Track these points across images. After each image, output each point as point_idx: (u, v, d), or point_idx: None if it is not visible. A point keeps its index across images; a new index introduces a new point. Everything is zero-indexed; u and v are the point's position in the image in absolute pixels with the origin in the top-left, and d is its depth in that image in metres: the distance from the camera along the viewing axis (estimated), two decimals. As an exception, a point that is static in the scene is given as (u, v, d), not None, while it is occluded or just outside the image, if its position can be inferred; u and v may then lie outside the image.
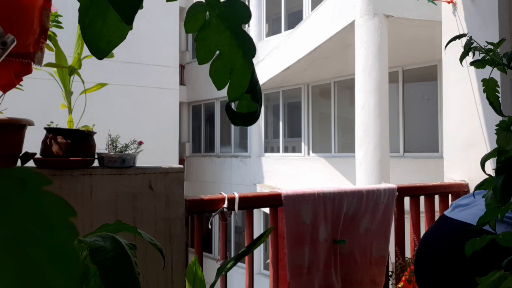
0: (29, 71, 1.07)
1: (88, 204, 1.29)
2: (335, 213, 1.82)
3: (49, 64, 1.32)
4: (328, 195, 1.81)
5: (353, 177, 6.19)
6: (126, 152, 1.39)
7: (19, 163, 1.25)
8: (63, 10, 1.44)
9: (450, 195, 2.23)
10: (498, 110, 1.22)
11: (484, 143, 2.11)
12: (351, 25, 5.59)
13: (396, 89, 7.01)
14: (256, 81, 0.72)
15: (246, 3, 9.62)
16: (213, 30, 0.66)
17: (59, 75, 1.42)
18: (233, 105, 0.74)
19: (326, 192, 1.81)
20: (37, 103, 6.95)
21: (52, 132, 1.30)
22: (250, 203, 1.68)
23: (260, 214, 9.35)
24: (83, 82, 1.45)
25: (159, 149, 8.54)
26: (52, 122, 1.35)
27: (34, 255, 0.24)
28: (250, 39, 0.69)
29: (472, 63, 1.29)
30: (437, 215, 2.26)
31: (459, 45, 1.39)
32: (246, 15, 0.67)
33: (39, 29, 1.06)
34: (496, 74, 1.32)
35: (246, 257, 1.67)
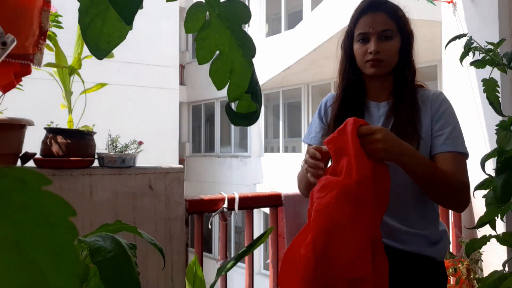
0: (28, 71, 1.07)
1: (88, 204, 1.29)
2: (335, 213, 1.82)
3: (49, 64, 1.32)
4: (328, 195, 1.80)
5: (353, 177, 6.16)
6: (126, 152, 1.39)
7: (19, 163, 1.25)
8: (63, 10, 1.44)
9: (450, 195, 2.23)
10: (498, 110, 1.22)
11: (484, 143, 2.11)
12: (351, 25, 5.58)
13: (396, 89, 6.99)
14: (256, 81, 0.72)
15: (246, 3, 9.62)
16: (213, 30, 0.66)
17: (59, 75, 1.42)
18: (233, 105, 0.74)
19: (326, 192, 1.80)
20: (37, 103, 6.95)
21: (52, 132, 1.30)
22: (250, 203, 1.68)
23: (260, 214, 9.35)
24: (83, 82, 1.45)
25: (159, 149, 8.54)
26: (52, 122, 1.35)
27: (34, 255, 0.24)
28: (250, 39, 0.69)
29: (472, 63, 1.29)
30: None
31: (459, 45, 1.39)
32: (246, 15, 0.67)
33: (39, 30, 1.06)
34: (496, 74, 1.33)
35: (246, 257, 1.67)
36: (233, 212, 1.63)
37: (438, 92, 1.24)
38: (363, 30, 1.18)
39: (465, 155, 1.17)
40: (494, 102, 1.21)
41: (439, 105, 1.20)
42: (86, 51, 1.35)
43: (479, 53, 1.27)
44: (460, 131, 1.19)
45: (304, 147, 1.43)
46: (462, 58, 1.27)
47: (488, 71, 1.26)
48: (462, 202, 1.15)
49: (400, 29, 1.20)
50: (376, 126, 1.06)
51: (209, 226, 1.67)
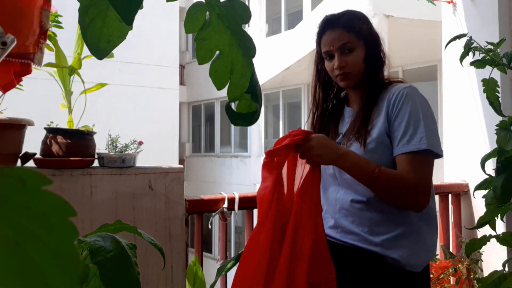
0: (28, 71, 1.07)
1: (88, 204, 1.29)
2: (335, 213, 1.81)
3: (49, 64, 1.32)
4: (328, 195, 1.80)
5: (353, 177, 6.16)
6: (126, 152, 1.39)
7: (19, 163, 1.25)
8: (63, 10, 1.43)
9: (450, 195, 2.23)
10: (498, 110, 1.22)
11: (484, 143, 2.11)
12: (351, 25, 5.57)
13: (396, 89, 6.99)
14: (256, 81, 0.72)
15: (246, 3, 9.61)
16: (213, 30, 0.66)
17: (59, 75, 1.42)
18: (233, 105, 0.74)
19: (326, 192, 1.80)
20: (37, 103, 6.95)
21: (52, 132, 1.30)
22: (250, 203, 1.68)
23: (260, 214, 9.33)
24: (83, 82, 1.45)
25: (159, 149, 8.53)
26: (52, 122, 1.35)
27: (34, 255, 0.24)
28: (250, 39, 0.69)
29: (472, 63, 1.29)
30: (437, 215, 2.25)
31: (459, 45, 1.39)
32: (246, 15, 0.67)
33: (39, 29, 1.06)
34: (496, 74, 1.32)
35: (246, 257, 1.67)
36: (233, 212, 1.63)
37: (401, 86, 1.17)
38: (325, 49, 1.23)
39: (424, 152, 1.10)
40: (494, 102, 1.21)
41: (394, 100, 1.14)
42: (86, 51, 1.35)
43: (479, 53, 1.27)
44: (420, 127, 1.11)
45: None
46: (462, 58, 1.27)
47: (488, 71, 1.26)
48: (412, 202, 1.11)
49: (361, 38, 1.21)
50: (313, 134, 1.11)
51: (209, 226, 1.67)
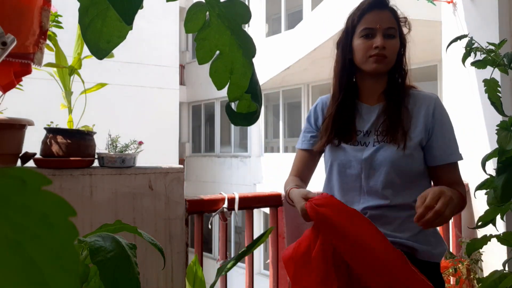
0: (28, 71, 1.07)
1: (88, 204, 1.29)
2: (335, 213, 1.81)
3: (49, 64, 1.32)
4: (328, 195, 1.80)
5: (353, 177, 6.15)
6: (126, 152, 1.39)
7: (19, 163, 1.24)
8: (63, 10, 1.43)
9: (450, 195, 2.22)
10: (500, 110, 1.22)
11: (485, 143, 2.11)
12: (351, 25, 5.57)
13: (396, 89, 6.98)
14: (256, 81, 0.72)
15: (246, 3, 9.60)
16: (213, 30, 0.66)
17: (59, 75, 1.42)
18: (233, 105, 0.74)
19: (326, 192, 1.80)
20: (37, 103, 6.95)
21: (52, 132, 1.30)
22: (250, 203, 1.68)
23: (260, 214, 9.35)
24: (83, 82, 1.45)
25: (159, 149, 8.53)
26: (52, 122, 1.35)
27: (34, 255, 0.24)
28: (250, 39, 0.69)
29: (473, 64, 1.29)
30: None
31: (460, 45, 1.39)
32: (246, 15, 0.67)
33: (39, 29, 1.06)
34: (496, 74, 1.32)
35: (246, 257, 1.67)
36: (233, 212, 1.63)
37: (434, 96, 1.23)
38: (369, 26, 1.20)
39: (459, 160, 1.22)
40: (496, 102, 1.21)
41: (433, 110, 1.20)
42: (86, 51, 1.35)
43: (480, 54, 1.26)
44: (455, 136, 1.21)
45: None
46: (464, 58, 1.27)
47: (488, 71, 1.26)
48: (463, 208, 1.16)
49: (399, 31, 1.25)
50: (427, 195, 0.98)
51: (209, 226, 1.67)
